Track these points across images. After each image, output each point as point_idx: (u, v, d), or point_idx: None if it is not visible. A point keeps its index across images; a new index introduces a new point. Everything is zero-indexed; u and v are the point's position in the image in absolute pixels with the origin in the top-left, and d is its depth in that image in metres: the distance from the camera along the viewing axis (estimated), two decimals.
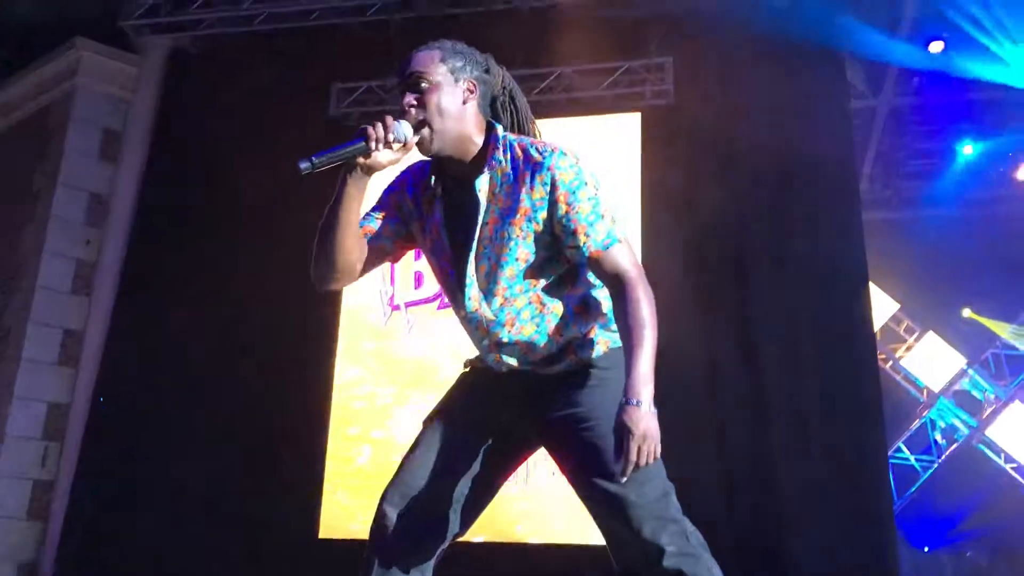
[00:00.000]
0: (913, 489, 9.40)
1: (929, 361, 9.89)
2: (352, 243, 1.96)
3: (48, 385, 6.81)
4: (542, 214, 1.90)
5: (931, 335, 9.83)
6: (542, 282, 1.96)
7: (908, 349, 9.94)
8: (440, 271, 2.03)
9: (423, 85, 1.91)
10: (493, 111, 2.03)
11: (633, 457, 1.74)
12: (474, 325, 2.00)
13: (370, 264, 2.03)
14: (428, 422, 2.06)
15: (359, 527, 5.79)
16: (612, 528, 1.90)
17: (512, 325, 1.97)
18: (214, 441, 6.10)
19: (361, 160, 1.85)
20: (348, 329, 6.39)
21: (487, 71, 2.00)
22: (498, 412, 2.03)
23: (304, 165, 1.79)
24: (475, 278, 1.95)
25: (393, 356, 6.29)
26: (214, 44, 7.25)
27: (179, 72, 7.27)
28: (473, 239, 1.93)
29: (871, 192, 8.59)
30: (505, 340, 1.99)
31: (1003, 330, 9.71)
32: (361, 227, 1.99)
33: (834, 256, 5.79)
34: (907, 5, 6.67)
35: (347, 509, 6.00)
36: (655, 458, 1.77)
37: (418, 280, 6.38)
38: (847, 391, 5.53)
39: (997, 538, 8.61)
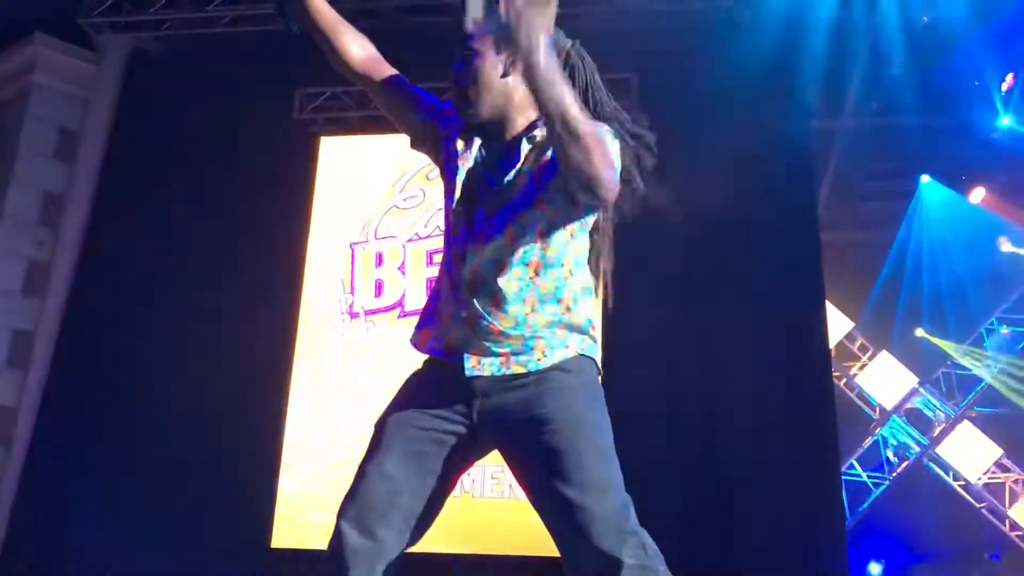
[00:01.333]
0: (864, 505, 9.52)
1: (882, 379, 10.05)
2: (316, 21, 2.07)
3: None
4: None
5: (884, 354, 9.99)
6: (544, 259, 1.93)
7: (862, 367, 10.09)
8: (457, 212, 2.01)
9: (467, 53, 2.00)
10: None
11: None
12: (463, 264, 1.95)
13: (367, 72, 2.13)
14: (380, 427, 1.99)
15: (312, 535, 5.73)
16: (569, 538, 1.85)
17: (500, 275, 1.91)
18: (166, 448, 6.00)
19: None
20: (306, 336, 6.33)
21: None
22: (451, 417, 1.96)
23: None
24: (486, 222, 1.93)
25: (351, 363, 6.24)
26: (175, 45, 7.17)
27: (139, 72, 7.17)
28: (495, 192, 1.95)
29: (827, 212, 8.71)
30: (486, 295, 1.92)
31: (954, 350, 9.90)
32: (413, 89, 2.13)
33: (791, 275, 5.87)
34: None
35: (300, 517, 5.93)
36: (523, 18, 1.71)
37: (378, 288, 6.35)
38: (802, 407, 5.59)
39: (945, 556, 8.75)
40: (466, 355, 1.95)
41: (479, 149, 2.03)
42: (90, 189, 6.96)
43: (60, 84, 7.24)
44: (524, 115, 2.01)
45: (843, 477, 6.80)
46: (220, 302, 6.22)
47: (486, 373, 1.93)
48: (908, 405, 10.05)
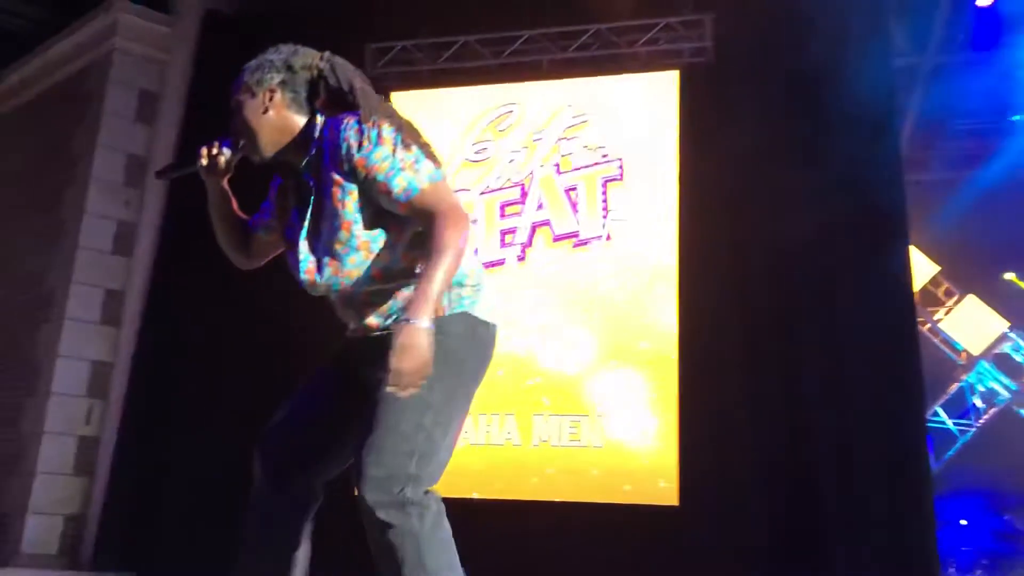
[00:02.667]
0: (950, 453, 9.32)
1: (969, 324, 9.76)
2: (231, 235, 2.37)
3: (91, 344, 6.93)
4: (351, 182, 2.03)
5: (971, 298, 9.69)
6: (370, 236, 2.06)
7: (948, 312, 9.81)
8: (288, 254, 2.23)
9: (231, 106, 2.18)
10: (325, 92, 2.19)
11: (397, 366, 1.79)
12: (319, 294, 2.18)
13: (266, 249, 2.39)
14: (302, 383, 2.35)
15: None
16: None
17: (346, 280, 2.09)
18: (254, 396, 6.19)
19: (202, 171, 2.25)
20: None
21: (290, 68, 2.17)
22: (357, 375, 2.16)
23: (158, 175, 2.49)
24: (309, 253, 2.11)
25: None
26: (249, 4, 7.24)
27: (214, 33, 7.28)
28: (305, 219, 2.12)
29: (911, 152, 8.41)
30: (346, 299, 2.14)
31: None
32: (255, 220, 2.37)
33: (875, 218, 5.70)
34: None
35: None
36: (423, 371, 1.82)
37: None
38: (886, 354, 5.47)
39: None
40: (351, 328, 2.23)
41: (288, 193, 2.23)
42: (171, 149, 7.14)
43: (139, 47, 7.40)
44: (293, 136, 2.15)
45: (928, 424, 6.65)
46: None
47: (359, 335, 2.19)
48: (997, 350, 9.75)
